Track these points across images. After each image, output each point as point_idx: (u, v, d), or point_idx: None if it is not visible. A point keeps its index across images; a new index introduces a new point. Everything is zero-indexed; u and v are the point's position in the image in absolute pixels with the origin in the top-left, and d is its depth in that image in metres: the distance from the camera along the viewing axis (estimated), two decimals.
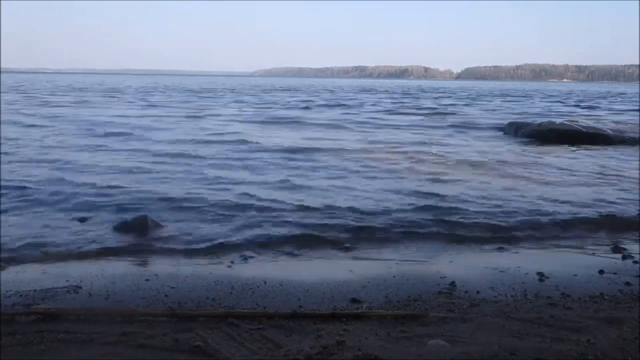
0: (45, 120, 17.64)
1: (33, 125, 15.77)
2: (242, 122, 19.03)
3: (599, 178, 8.95)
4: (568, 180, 8.73)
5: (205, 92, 46.96)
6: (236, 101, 33.45)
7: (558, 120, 16.23)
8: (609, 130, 14.38)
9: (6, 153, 10.28)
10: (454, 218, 6.13)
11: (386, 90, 60.75)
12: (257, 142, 12.59)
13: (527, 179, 8.67)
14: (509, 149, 12.65)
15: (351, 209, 6.42)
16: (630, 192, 7.76)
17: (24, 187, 7.27)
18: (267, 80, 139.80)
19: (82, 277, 4.23)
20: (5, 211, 6.17)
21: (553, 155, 11.57)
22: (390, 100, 37.21)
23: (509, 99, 43.69)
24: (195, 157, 10.46)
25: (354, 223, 5.90)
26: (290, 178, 8.34)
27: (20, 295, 3.80)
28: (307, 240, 5.37)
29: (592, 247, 5.34)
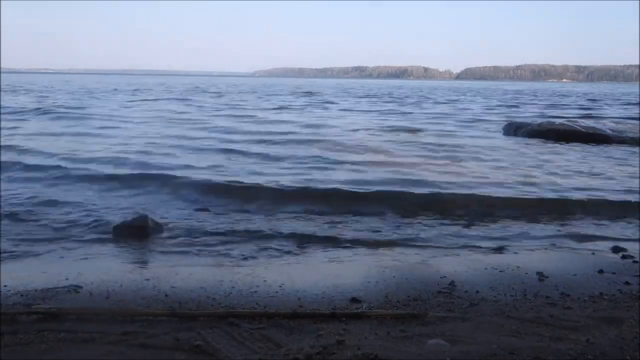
0: None
1: None
2: None
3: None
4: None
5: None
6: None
7: (558, 121, 16.27)
8: (608, 130, 14.39)
9: None
10: None
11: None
12: None
13: None
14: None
15: None
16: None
17: None
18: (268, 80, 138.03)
19: (83, 276, 4.24)
20: None
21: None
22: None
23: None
24: None
25: None
26: None
27: (21, 295, 3.80)
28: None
29: (591, 247, 5.34)
